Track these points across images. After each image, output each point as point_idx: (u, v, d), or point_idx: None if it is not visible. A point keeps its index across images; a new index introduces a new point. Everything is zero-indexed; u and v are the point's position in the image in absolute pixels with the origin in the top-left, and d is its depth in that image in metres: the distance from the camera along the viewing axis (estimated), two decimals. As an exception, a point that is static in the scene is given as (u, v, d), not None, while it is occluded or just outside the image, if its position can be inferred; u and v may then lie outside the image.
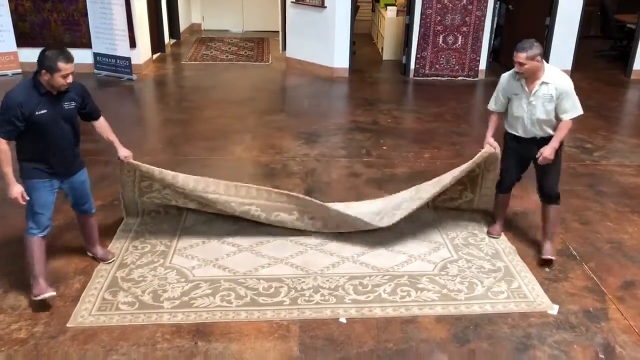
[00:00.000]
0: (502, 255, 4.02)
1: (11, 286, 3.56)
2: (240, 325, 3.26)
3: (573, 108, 3.72)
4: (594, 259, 4.05)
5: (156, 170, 4.01)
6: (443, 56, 9.27)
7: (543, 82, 3.70)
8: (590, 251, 4.14)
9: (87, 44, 8.92)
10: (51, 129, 3.24)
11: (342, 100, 8.57)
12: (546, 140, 3.81)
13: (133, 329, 3.21)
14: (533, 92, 3.75)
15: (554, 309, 3.44)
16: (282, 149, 6.07)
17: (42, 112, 3.17)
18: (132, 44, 8.68)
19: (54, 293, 3.37)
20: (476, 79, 9.31)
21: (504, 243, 4.19)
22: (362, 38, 11.82)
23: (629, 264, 4.01)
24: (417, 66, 9.32)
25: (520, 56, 3.62)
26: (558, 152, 3.81)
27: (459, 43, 9.18)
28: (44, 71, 3.11)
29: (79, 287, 3.58)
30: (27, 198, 3.25)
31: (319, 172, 5.49)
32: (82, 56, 8.96)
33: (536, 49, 3.60)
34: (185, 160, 5.69)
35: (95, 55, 8.93)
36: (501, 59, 10.22)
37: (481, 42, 9.18)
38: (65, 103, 3.33)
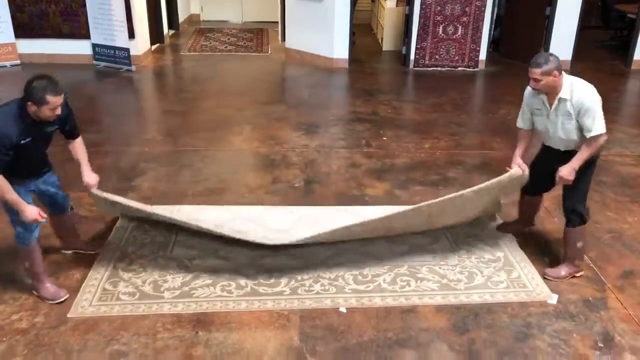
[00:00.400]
0: (501, 245, 4.03)
1: (11, 276, 3.56)
2: (241, 315, 3.27)
3: (593, 125, 3.32)
4: (593, 248, 4.05)
5: (130, 204, 3.79)
6: (443, 46, 9.24)
7: (561, 98, 3.39)
8: (590, 241, 4.13)
9: (86, 35, 8.88)
10: (31, 151, 3.14)
11: (342, 91, 8.55)
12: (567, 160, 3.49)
13: (134, 318, 3.22)
14: (553, 107, 3.45)
15: (553, 299, 3.45)
16: (282, 139, 6.07)
17: (26, 140, 3.02)
18: (131, 34, 8.64)
19: (67, 295, 3.37)
20: (476, 69, 9.28)
21: (504, 233, 4.19)
22: (361, 28, 11.77)
23: (628, 253, 4.02)
24: (417, 57, 9.29)
25: (535, 72, 3.32)
26: (585, 169, 3.48)
27: (459, 33, 9.15)
28: (30, 103, 2.94)
29: (79, 277, 3.59)
30: (45, 215, 3.18)
31: (318, 162, 5.48)
32: (80, 47, 8.97)
33: (552, 64, 3.28)
34: (184, 151, 5.69)
35: (94, 46, 8.89)
36: (501, 49, 10.19)
37: (481, 32, 9.14)
38: (49, 127, 3.19)
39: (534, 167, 3.77)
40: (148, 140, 6.03)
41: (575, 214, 3.58)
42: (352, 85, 8.60)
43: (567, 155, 3.49)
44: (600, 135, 3.35)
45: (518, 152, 3.76)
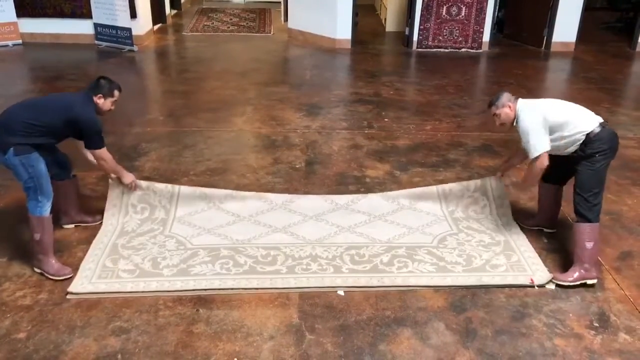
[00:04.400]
0: (503, 229, 4.01)
1: (15, 254, 3.61)
2: (241, 293, 3.31)
3: (528, 149, 3.49)
4: (592, 230, 4.06)
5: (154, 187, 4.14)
6: (446, 27, 9.19)
7: (515, 125, 3.61)
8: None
9: (88, 15, 8.87)
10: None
11: (344, 72, 8.53)
12: (580, 156, 3.46)
13: (135, 296, 3.27)
14: None
15: (552, 283, 3.45)
16: (284, 120, 6.07)
17: None
18: (133, 14, 8.61)
19: (71, 273, 3.42)
20: (479, 50, 9.24)
21: (506, 217, 4.12)
22: (364, 9, 11.69)
23: (626, 235, 4.04)
24: (420, 38, 9.25)
25: (491, 110, 3.65)
26: (592, 165, 3.41)
27: (463, 14, 9.09)
28: (100, 95, 3.51)
29: (82, 255, 3.62)
30: (135, 185, 3.95)
31: (320, 144, 5.50)
32: (82, 27, 8.96)
33: (502, 98, 3.59)
34: (186, 131, 5.70)
35: (96, 25, 8.88)
36: (505, 31, 10.13)
37: (485, 14, 9.09)
38: None
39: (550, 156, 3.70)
40: (150, 120, 6.05)
41: (576, 211, 3.49)
42: (355, 66, 8.57)
43: (566, 158, 3.58)
44: (537, 161, 3.47)
45: (505, 165, 4.16)
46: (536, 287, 3.42)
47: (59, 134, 3.48)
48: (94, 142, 3.54)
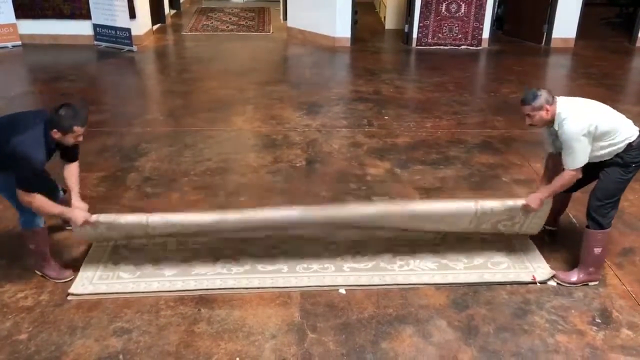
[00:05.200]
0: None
1: (16, 256, 3.61)
2: (243, 293, 3.31)
3: (567, 161, 3.23)
4: (593, 226, 4.06)
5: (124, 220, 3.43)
6: (446, 25, 9.17)
7: (552, 129, 3.31)
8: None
9: (87, 15, 8.85)
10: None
11: (344, 70, 8.52)
12: (603, 163, 3.31)
13: (137, 296, 3.27)
14: (553, 137, 3.39)
15: (553, 281, 3.44)
16: (283, 119, 6.07)
17: (45, 161, 3.15)
18: (132, 14, 8.60)
19: (72, 275, 3.42)
20: (479, 47, 9.22)
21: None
22: (364, 7, 11.68)
23: (628, 231, 4.03)
24: (420, 35, 9.23)
25: (525, 109, 3.25)
26: (613, 172, 3.29)
27: (462, 11, 9.07)
28: (55, 130, 3.04)
29: (83, 256, 3.62)
30: (93, 217, 3.27)
31: (320, 142, 5.49)
32: (81, 28, 8.95)
33: (540, 99, 3.19)
34: (186, 131, 5.70)
35: (95, 26, 8.86)
36: (505, 28, 10.11)
37: (485, 10, 9.07)
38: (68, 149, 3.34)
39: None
40: (150, 120, 6.04)
41: (591, 217, 3.36)
42: (354, 64, 8.56)
43: (590, 163, 3.30)
44: (573, 172, 3.23)
45: (543, 181, 3.60)
46: (538, 284, 3.41)
47: None
48: (20, 181, 3.03)
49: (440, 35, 9.23)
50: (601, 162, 3.31)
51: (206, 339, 2.97)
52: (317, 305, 3.23)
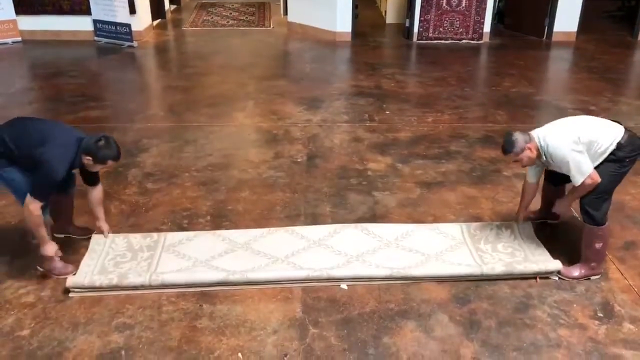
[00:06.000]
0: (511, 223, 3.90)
1: (18, 252, 3.61)
2: (244, 288, 3.31)
3: (575, 176, 3.22)
4: (595, 220, 4.05)
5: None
6: (447, 19, 9.14)
7: (543, 162, 3.41)
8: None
9: (87, 11, 8.84)
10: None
11: (345, 65, 8.50)
12: (610, 159, 3.28)
13: (139, 292, 3.26)
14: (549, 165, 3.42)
15: (555, 275, 3.43)
16: (284, 114, 6.06)
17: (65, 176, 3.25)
18: (132, 10, 8.59)
19: (74, 270, 3.41)
20: (480, 41, 9.20)
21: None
22: (364, 1, 11.64)
23: (630, 225, 4.02)
24: (421, 29, 9.21)
25: (510, 158, 3.36)
26: (605, 168, 3.27)
27: (463, 5, 9.04)
28: (89, 157, 3.19)
29: (85, 252, 3.61)
30: (60, 254, 3.35)
31: (321, 137, 5.48)
32: (82, 23, 8.94)
33: (518, 143, 3.27)
34: (187, 127, 5.69)
35: (95, 22, 8.85)
36: (506, 22, 10.08)
37: (486, 4, 9.04)
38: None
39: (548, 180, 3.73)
40: (151, 116, 6.04)
41: (584, 211, 3.36)
42: (355, 59, 8.54)
43: None
44: (585, 180, 3.20)
45: (523, 205, 3.76)
46: (548, 275, 3.41)
47: (18, 159, 3.21)
48: (35, 188, 3.12)
49: (441, 29, 9.21)
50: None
51: (208, 334, 2.97)
52: (318, 300, 3.23)
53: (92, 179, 3.51)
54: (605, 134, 3.27)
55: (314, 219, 4.03)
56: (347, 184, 4.55)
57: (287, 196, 4.34)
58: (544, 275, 3.42)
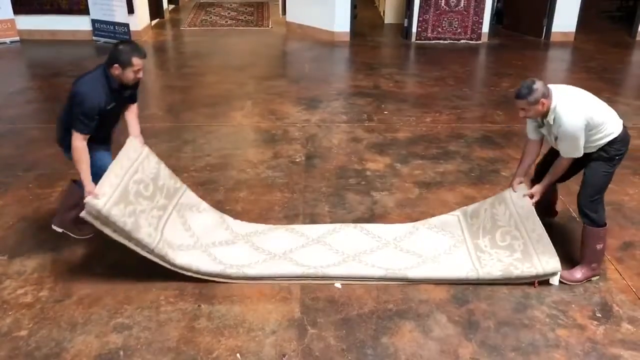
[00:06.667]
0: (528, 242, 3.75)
1: (16, 252, 3.60)
2: (243, 288, 3.31)
3: (565, 150, 3.26)
4: (593, 220, 4.05)
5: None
6: (445, 19, 9.15)
7: (547, 122, 3.27)
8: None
9: (85, 11, 8.84)
10: (111, 116, 3.35)
11: (343, 65, 8.50)
12: (588, 157, 3.31)
13: (137, 292, 3.26)
14: (545, 127, 3.34)
15: (555, 279, 3.37)
16: (283, 114, 6.05)
17: (111, 106, 3.25)
18: (130, 9, 8.59)
19: (92, 234, 3.56)
20: (479, 42, 9.20)
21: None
22: (363, 1, 11.65)
23: (628, 225, 4.02)
24: (419, 29, 9.21)
25: (520, 103, 3.19)
26: (597, 166, 3.30)
27: (462, 5, 9.05)
28: (116, 65, 3.14)
29: (83, 252, 3.62)
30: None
31: (319, 137, 5.48)
32: (80, 23, 8.93)
33: (536, 93, 3.12)
34: (185, 127, 5.69)
35: (94, 21, 8.84)
36: (504, 22, 10.09)
37: (484, 5, 9.04)
38: (127, 91, 3.40)
39: (547, 156, 3.64)
40: (149, 115, 6.02)
41: (584, 214, 3.36)
42: (354, 59, 8.54)
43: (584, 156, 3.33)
44: (568, 158, 3.27)
45: (523, 166, 3.58)
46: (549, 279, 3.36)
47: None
48: (74, 121, 3.16)
49: (439, 29, 9.21)
50: (586, 155, 3.30)
51: (206, 334, 2.97)
52: (317, 300, 3.23)
53: (133, 98, 3.49)
54: (611, 122, 3.25)
55: (313, 219, 4.03)
56: (346, 184, 4.55)
57: (286, 196, 4.33)
58: (543, 279, 3.37)
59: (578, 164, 3.37)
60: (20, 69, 7.96)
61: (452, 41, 9.23)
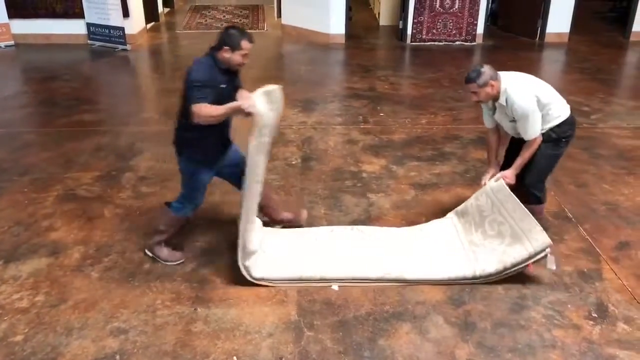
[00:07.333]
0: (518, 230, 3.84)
1: (12, 257, 3.59)
2: (239, 291, 3.30)
3: (527, 131, 3.41)
4: (589, 220, 4.07)
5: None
6: (440, 20, 9.17)
7: (499, 104, 3.46)
8: (586, 213, 4.17)
9: (80, 14, 8.81)
10: (225, 99, 3.26)
11: (339, 67, 8.50)
12: (546, 139, 3.48)
13: (133, 296, 3.26)
14: (497, 111, 3.55)
15: (551, 263, 3.32)
16: (279, 117, 6.04)
17: (223, 85, 3.27)
18: (126, 13, 8.56)
19: (183, 259, 3.58)
20: (473, 43, 9.22)
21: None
22: (358, 3, 11.66)
23: (623, 225, 4.04)
24: (414, 31, 9.22)
25: (470, 87, 3.40)
26: (545, 149, 3.50)
27: (456, 7, 9.07)
28: (226, 48, 3.22)
29: (79, 257, 3.61)
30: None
31: (315, 139, 5.48)
32: (75, 27, 8.90)
33: (484, 75, 3.34)
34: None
35: (89, 25, 8.82)
36: (499, 23, 10.12)
37: (479, 6, 9.06)
38: (236, 79, 3.44)
39: (511, 144, 3.77)
40: (145, 119, 6.02)
41: (531, 194, 3.56)
42: (349, 61, 8.54)
43: (522, 140, 3.54)
44: (536, 138, 3.43)
45: (491, 157, 3.76)
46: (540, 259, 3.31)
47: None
48: (188, 96, 3.18)
49: (434, 31, 9.23)
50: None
51: (203, 338, 2.96)
52: (313, 302, 3.23)
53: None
54: (558, 104, 3.48)
55: (309, 221, 4.02)
56: (342, 186, 4.56)
57: (282, 198, 4.33)
58: (537, 260, 3.30)
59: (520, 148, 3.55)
60: (15, 73, 7.94)
61: (446, 43, 9.25)
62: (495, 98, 3.45)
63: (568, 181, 4.63)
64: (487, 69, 3.38)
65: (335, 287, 3.35)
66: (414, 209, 4.23)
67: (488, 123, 3.72)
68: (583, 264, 3.59)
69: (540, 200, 3.65)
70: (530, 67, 8.31)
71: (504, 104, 3.41)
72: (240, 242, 3.29)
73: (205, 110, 3.12)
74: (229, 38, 3.23)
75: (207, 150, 3.38)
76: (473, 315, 3.14)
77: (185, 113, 3.21)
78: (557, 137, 3.49)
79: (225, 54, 3.23)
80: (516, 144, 3.64)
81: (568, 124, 3.51)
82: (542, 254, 3.29)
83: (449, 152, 5.21)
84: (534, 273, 3.41)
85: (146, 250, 3.62)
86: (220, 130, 3.39)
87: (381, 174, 4.78)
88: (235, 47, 3.23)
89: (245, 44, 3.26)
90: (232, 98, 3.27)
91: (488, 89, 3.37)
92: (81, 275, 3.45)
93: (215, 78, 3.21)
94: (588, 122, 5.93)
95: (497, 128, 3.70)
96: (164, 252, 3.57)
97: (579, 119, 5.91)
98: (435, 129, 5.76)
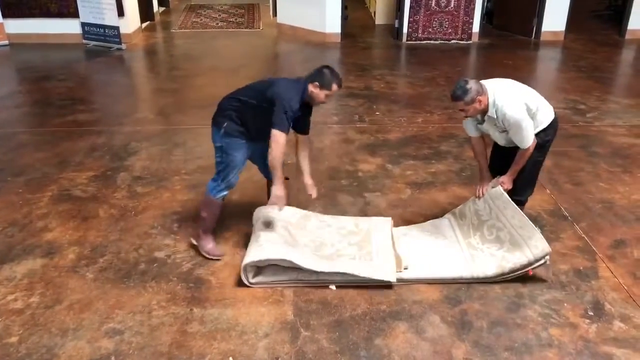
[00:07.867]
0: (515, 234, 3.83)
1: (6, 257, 3.57)
2: (235, 291, 3.29)
3: (522, 141, 3.35)
4: (585, 219, 4.07)
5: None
6: (436, 19, 9.17)
7: (489, 117, 3.38)
8: (582, 211, 4.17)
9: (75, 14, 8.79)
10: (294, 123, 3.46)
11: (335, 66, 8.37)
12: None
13: (128, 297, 3.24)
14: (485, 122, 3.47)
15: (549, 272, 3.39)
16: (275, 116, 6.03)
17: (299, 114, 3.41)
18: (120, 12, 8.55)
19: (223, 254, 3.61)
20: (469, 42, 9.23)
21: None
22: (354, 2, 11.66)
23: (619, 223, 4.04)
24: (410, 30, 9.23)
25: (458, 105, 3.32)
26: (541, 156, 3.53)
27: (452, 5, 9.07)
28: (316, 84, 3.36)
29: (74, 257, 3.60)
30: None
31: (311, 139, 5.45)
32: (69, 26, 8.88)
33: (471, 92, 3.23)
34: (176, 129, 5.66)
35: (83, 25, 8.80)
36: (495, 22, 10.13)
37: (474, 5, 9.08)
38: (308, 112, 3.60)
39: (493, 149, 3.76)
40: (140, 119, 6.00)
41: (516, 201, 3.50)
42: (345, 60, 8.54)
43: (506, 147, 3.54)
44: (529, 147, 3.37)
45: (483, 165, 3.70)
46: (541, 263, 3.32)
47: (258, 107, 3.40)
48: (276, 120, 3.27)
49: (430, 30, 9.23)
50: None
51: (199, 338, 2.95)
52: (310, 302, 3.22)
53: (303, 125, 3.61)
54: (545, 110, 3.45)
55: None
56: (338, 185, 4.55)
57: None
58: (537, 264, 3.31)
59: (512, 153, 3.49)
60: (10, 72, 7.91)
61: (442, 41, 9.25)
62: (484, 112, 3.37)
63: (564, 179, 4.63)
64: (472, 84, 3.26)
65: (332, 287, 3.34)
66: (410, 208, 4.23)
67: (471, 132, 3.63)
68: (579, 263, 3.59)
69: (522, 203, 3.64)
70: (526, 65, 8.33)
71: (494, 116, 3.34)
72: (254, 251, 3.33)
73: (282, 143, 3.28)
74: (322, 76, 3.38)
75: (247, 125, 3.45)
76: (469, 314, 3.14)
77: (249, 103, 3.41)
78: (543, 142, 3.45)
79: (314, 89, 3.37)
80: (501, 150, 3.60)
81: (552, 127, 3.47)
82: (542, 261, 3.30)
83: (445, 150, 5.21)
84: (531, 274, 3.40)
85: (191, 239, 3.68)
86: (263, 121, 3.41)
87: (377, 173, 4.78)
88: (324, 86, 3.36)
89: (334, 87, 3.39)
90: (297, 122, 3.49)
91: (476, 105, 3.28)
92: (76, 275, 3.43)
93: (299, 108, 3.37)
94: (584, 120, 5.94)
95: (482, 136, 3.65)
96: (210, 244, 3.61)
97: (575, 117, 5.98)
98: (431, 127, 5.76)
